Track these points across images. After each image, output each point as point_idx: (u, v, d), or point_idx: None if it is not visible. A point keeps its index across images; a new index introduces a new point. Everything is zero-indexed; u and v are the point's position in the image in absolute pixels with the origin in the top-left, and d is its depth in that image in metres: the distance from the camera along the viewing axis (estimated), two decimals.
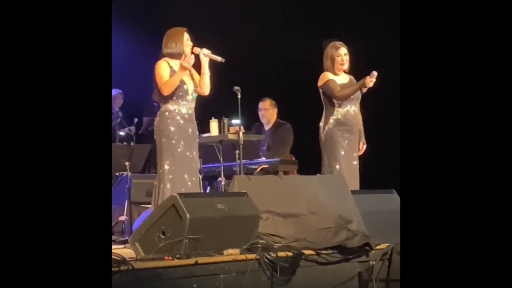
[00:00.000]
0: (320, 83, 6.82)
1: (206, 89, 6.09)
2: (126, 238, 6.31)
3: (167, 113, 5.95)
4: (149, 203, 7.01)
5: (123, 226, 7.32)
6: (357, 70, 6.97)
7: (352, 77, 6.92)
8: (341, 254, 5.51)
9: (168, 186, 5.83)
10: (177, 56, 6.02)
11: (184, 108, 5.98)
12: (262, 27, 9.90)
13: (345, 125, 6.77)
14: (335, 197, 6.00)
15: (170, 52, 6.03)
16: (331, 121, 6.75)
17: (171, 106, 5.95)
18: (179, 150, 5.92)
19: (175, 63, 6.00)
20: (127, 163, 7.41)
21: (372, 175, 8.87)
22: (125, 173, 7.46)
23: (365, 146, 7.02)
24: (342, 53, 6.83)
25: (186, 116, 5.99)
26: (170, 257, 4.66)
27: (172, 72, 5.95)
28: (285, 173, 7.45)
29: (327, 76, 6.80)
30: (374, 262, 5.65)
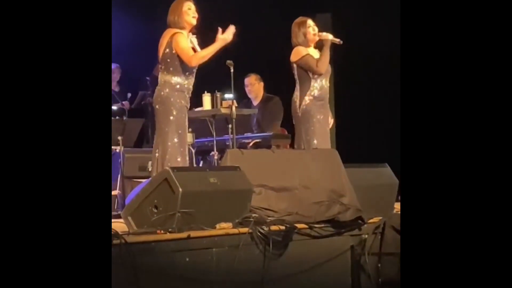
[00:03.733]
0: (295, 58, 6.80)
1: None
2: (119, 212, 6.31)
3: (178, 86, 5.90)
4: (142, 177, 7.03)
5: (116, 200, 7.32)
6: (348, 42, 6.97)
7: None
8: (334, 227, 5.53)
9: (178, 159, 5.82)
10: (180, 29, 5.96)
11: (191, 84, 5.98)
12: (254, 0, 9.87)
13: (320, 100, 6.79)
14: (328, 171, 6.01)
15: (173, 26, 5.97)
16: (308, 96, 6.75)
17: (182, 81, 5.90)
18: (186, 123, 5.95)
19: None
20: (119, 138, 7.40)
21: (364, 149, 8.88)
22: (118, 147, 7.45)
23: (332, 121, 7.09)
24: (311, 24, 6.87)
25: (190, 91, 6.00)
26: (162, 231, 4.66)
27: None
28: (278, 147, 7.46)
29: (302, 51, 6.79)
30: (366, 236, 5.68)
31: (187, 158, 6.01)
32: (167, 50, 5.90)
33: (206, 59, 5.91)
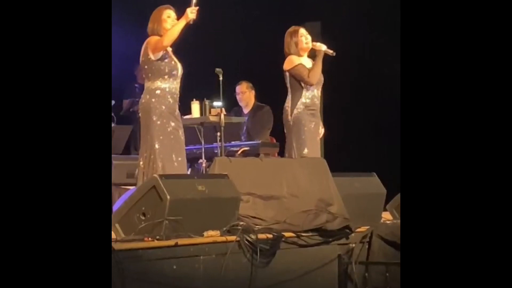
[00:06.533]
0: (288, 66, 6.83)
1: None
2: None
3: (158, 91, 5.89)
4: (130, 185, 7.01)
5: None
6: (337, 51, 6.99)
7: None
8: (321, 236, 5.53)
9: (160, 165, 5.80)
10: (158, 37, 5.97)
11: (174, 88, 5.95)
12: (244, 9, 9.88)
13: (312, 109, 6.82)
14: (316, 180, 6.02)
15: (151, 34, 6.00)
16: (299, 104, 6.78)
17: (163, 85, 5.90)
18: (169, 129, 5.89)
19: None
20: None
21: (352, 158, 8.88)
22: None
23: (323, 130, 7.08)
24: (304, 33, 6.88)
25: (175, 95, 5.97)
26: (150, 239, 4.65)
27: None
28: (266, 155, 7.46)
29: (294, 60, 6.82)
30: (354, 245, 5.68)
31: (175, 164, 5.96)
32: (143, 58, 5.96)
33: (176, 35, 5.84)
